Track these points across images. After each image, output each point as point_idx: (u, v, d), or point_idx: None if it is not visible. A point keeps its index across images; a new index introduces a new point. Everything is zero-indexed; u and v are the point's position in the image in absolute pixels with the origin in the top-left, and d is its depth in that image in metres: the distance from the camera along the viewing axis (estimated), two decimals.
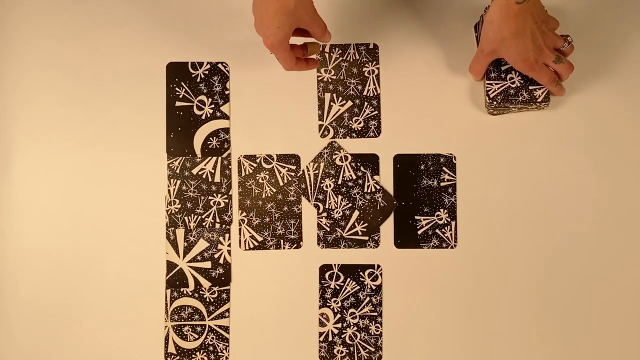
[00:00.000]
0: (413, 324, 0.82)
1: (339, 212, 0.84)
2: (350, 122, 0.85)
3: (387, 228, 0.84)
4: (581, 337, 0.81)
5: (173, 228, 0.85)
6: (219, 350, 0.84)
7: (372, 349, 0.82)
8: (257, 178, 0.85)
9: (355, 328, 0.83)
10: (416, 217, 0.83)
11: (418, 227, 0.83)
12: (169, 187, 0.85)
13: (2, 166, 0.86)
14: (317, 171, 0.84)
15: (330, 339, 0.83)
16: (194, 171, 0.85)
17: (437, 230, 0.82)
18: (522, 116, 0.83)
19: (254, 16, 0.70)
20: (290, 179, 0.85)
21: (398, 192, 0.83)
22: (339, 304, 0.83)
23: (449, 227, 0.83)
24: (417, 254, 0.83)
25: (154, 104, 0.86)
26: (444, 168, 0.83)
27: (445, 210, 0.83)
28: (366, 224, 0.83)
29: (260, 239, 0.84)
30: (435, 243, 0.82)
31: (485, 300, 0.82)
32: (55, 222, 0.85)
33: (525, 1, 0.69)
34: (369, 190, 0.84)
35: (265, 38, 0.69)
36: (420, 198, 0.83)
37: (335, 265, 0.84)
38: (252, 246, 0.84)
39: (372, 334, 0.83)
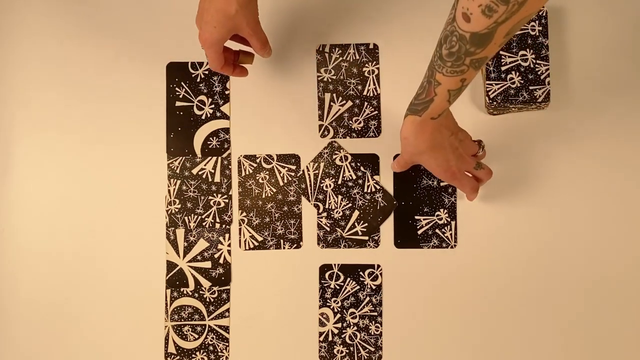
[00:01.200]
0: (413, 324, 0.82)
1: (339, 212, 0.84)
2: (350, 122, 0.85)
3: (387, 228, 0.84)
4: (581, 337, 0.81)
5: (173, 228, 0.85)
6: (219, 350, 0.84)
7: (372, 349, 0.83)
8: (257, 178, 0.85)
9: (355, 328, 0.83)
10: (416, 217, 0.83)
11: (418, 227, 0.83)
12: (169, 187, 0.85)
13: (2, 166, 0.86)
14: (317, 171, 0.84)
15: (330, 338, 0.83)
16: (194, 171, 0.85)
17: (437, 230, 0.83)
18: (522, 116, 0.83)
19: (198, 6, 0.71)
20: (290, 179, 0.85)
21: (398, 192, 0.83)
22: (339, 304, 0.83)
23: (448, 227, 0.83)
24: (417, 254, 0.83)
25: (154, 104, 0.86)
26: None
27: (445, 210, 0.83)
28: (366, 224, 0.83)
29: (260, 239, 0.84)
30: (435, 243, 0.82)
31: (485, 300, 0.82)
32: (55, 222, 0.85)
33: (440, 116, 0.68)
34: (369, 190, 0.84)
35: (201, 32, 0.71)
36: (420, 198, 0.83)
37: (335, 265, 0.84)
38: (252, 246, 0.84)
39: (372, 333, 0.83)
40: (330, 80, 0.85)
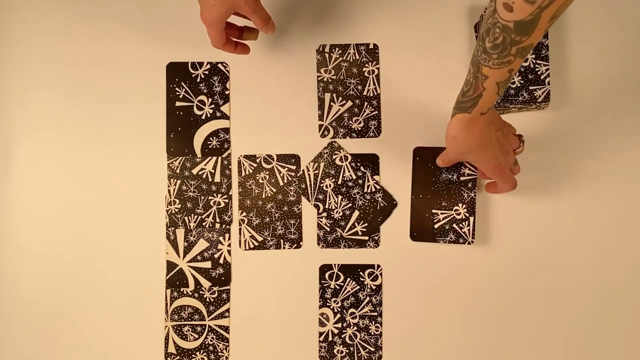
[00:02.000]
0: (413, 324, 0.82)
1: (339, 212, 0.84)
2: (350, 122, 0.85)
3: (388, 226, 0.83)
4: (590, 339, 0.81)
5: (173, 228, 0.85)
6: (219, 350, 0.84)
7: (372, 349, 0.82)
8: (257, 178, 0.85)
9: (355, 328, 0.83)
10: (434, 211, 0.82)
11: (435, 221, 0.82)
12: (169, 187, 0.85)
13: (2, 166, 0.86)
14: (317, 171, 0.84)
15: (330, 338, 0.83)
16: (194, 171, 0.85)
17: (454, 225, 0.82)
18: (522, 116, 0.83)
19: None
20: (290, 179, 0.85)
21: (417, 185, 0.83)
22: (339, 304, 0.83)
23: (466, 222, 0.82)
24: (417, 254, 0.83)
25: (154, 104, 0.86)
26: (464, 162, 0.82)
27: (464, 205, 0.82)
28: (366, 224, 0.83)
29: (260, 239, 0.84)
30: (452, 238, 0.82)
31: (485, 300, 0.82)
32: (55, 222, 0.85)
33: (490, 110, 0.68)
34: (369, 190, 0.84)
35: (202, 10, 0.71)
36: (438, 192, 0.82)
37: (335, 265, 0.84)
38: (252, 246, 0.84)
39: (372, 333, 0.83)
40: (330, 80, 0.85)
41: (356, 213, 0.84)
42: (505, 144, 0.74)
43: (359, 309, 0.83)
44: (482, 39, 0.61)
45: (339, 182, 0.84)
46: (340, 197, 0.84)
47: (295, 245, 0.84)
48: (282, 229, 0.84)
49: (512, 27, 0.57)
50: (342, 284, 0.83)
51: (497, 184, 0.77)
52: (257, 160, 0.85)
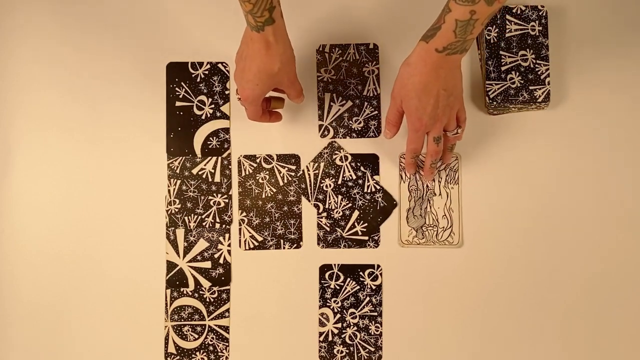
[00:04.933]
0: (413, 324, 0.82)
1: (339, 212, 0.84)
2: (350, 122, 0.85)
3: (388, 226, 0.83)
4: (584, 338, 0.81)
5: (173, 228, 0.85)
6: (219, 350, 0.84)
7: (372, 349, 0.83)
8: (257, 178, 0.85)
9: (355, 328, 0.83)
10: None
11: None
12: (169, 187, 0.85)
13: (2, 166, 0.86)
14: (317, 171, 0.84)
15: (330, 338, 0.83)
16: (194, 171, 0.85)
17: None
18: (522, 116, 0.83)
19: (235, 65, 0.72)
20: (290, 179, 0.85)
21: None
22: (339, 304, 0.83)
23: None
24: (417, 254, 0.83)
25: (154, 104, 0.86)
26: None
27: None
28: (366, 224, 0.83)
29: (260, 238, 0.84)
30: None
31: (485, 300, 0.82)
32: (55, 222, 0.85)
33: (445, 51, 0.66)
34: (369, 190, 0.84)
35: (242, 90, 0.73)
36: None
37: (335, 265, 0.84)
38: (252, 246, 0.84)
39: (372, 333, 0.83)
40: (330, 80, 0.85)
41: (356, 213, 0.84)
42: (443, 111, 0.71)
43: (359, 309, 0.83)
44: None
45: (339, 182, 0.84)
46: (340, 197, 0.84)
47: (295, 245, 0.84)
48: (282, 229, 0.84)
49: None
50: (342, 284, 0.83)
51: (409, 139, 0.75)
52: (257, 160, 0.85)
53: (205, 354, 0.84)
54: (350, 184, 0.84)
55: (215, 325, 0.84)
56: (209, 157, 0.85)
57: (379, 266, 0.83)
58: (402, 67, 0.70)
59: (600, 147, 0.83)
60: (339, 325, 0.83)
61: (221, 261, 0.84)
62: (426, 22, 0.83)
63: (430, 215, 0.83)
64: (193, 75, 0.86)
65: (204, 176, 0.85)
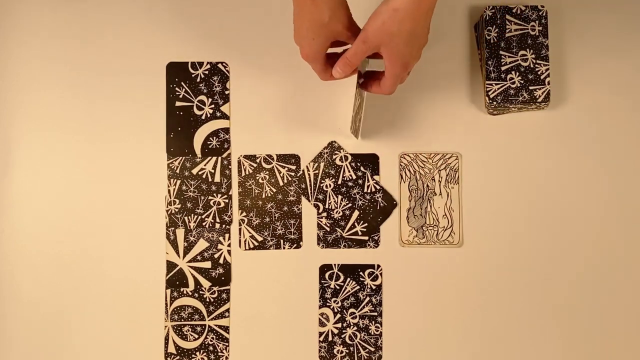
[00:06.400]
0: (413, 324, 0.82)
1: (339, 212, 0.84)
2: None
3: (388, 226, 0.83)
4: (585, 339, 0.81)
5: (173, 228, 0.85)
6: (219, 350, 0.84)
7: (372, 349, 0.83)
8: (257, 178, 0.85)
9: (355, 328, 0.83)
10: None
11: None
12: (169, 187, 0.85)
13: (2, 166, 0.86)
14: (317, 171, 0.84)
15: (330, 339, 0.83)
16: (194, 171, 0.85)
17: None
18: (522, 116, 0.83)
19: (293, 26, 0.69)
20: (290, 179, 0.85)
21: None
22: (339, 304, 0.83)
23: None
24: (418, 254, 0.83)
25: (154, 104, 0.86)
26: None
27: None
28: (366, 224, 0.83)
29: (260, 239, 0.84)
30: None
31: (486, 300, 0.82)
32: (55, 222, 0.85)
33: None
34: (369, 190, 0.84)
35: (301, 49, 0.70)
36: None
37: (335, 265, 0.84)
38: (252, 246, 0.84)
39: (372, 334, 0.83)
40: None
41: (356, 213, 0.84)
42: (417, 52, 0.69)
43: (359, 309, 0.83)
44: None
45: (339, 182, 0.84)
46: (340, 197, 0.84)
47: (295, 245, 0.84)
48: (282, 229, 0.84)
49: None
50: (342, 284, 0.83)
51: (384, 83, 0.71)
52: (257, 160, 0.85)
53: (205, 354, 0.84)
54: (350, 184, 0.84)
55: (215, 325, 0.84)
56: (209, 157, 0.85)
57: (379, 266, 0.83)
58: (385, 12, 0.64)
59: (600, 147, 0.83)
60: (339, 325, 0.83)
61: (221, 261, 0.84)
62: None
63: (431, 215, 0.83)
64: (193, 75, 0.86)
65: (204, 176, 0.85)
